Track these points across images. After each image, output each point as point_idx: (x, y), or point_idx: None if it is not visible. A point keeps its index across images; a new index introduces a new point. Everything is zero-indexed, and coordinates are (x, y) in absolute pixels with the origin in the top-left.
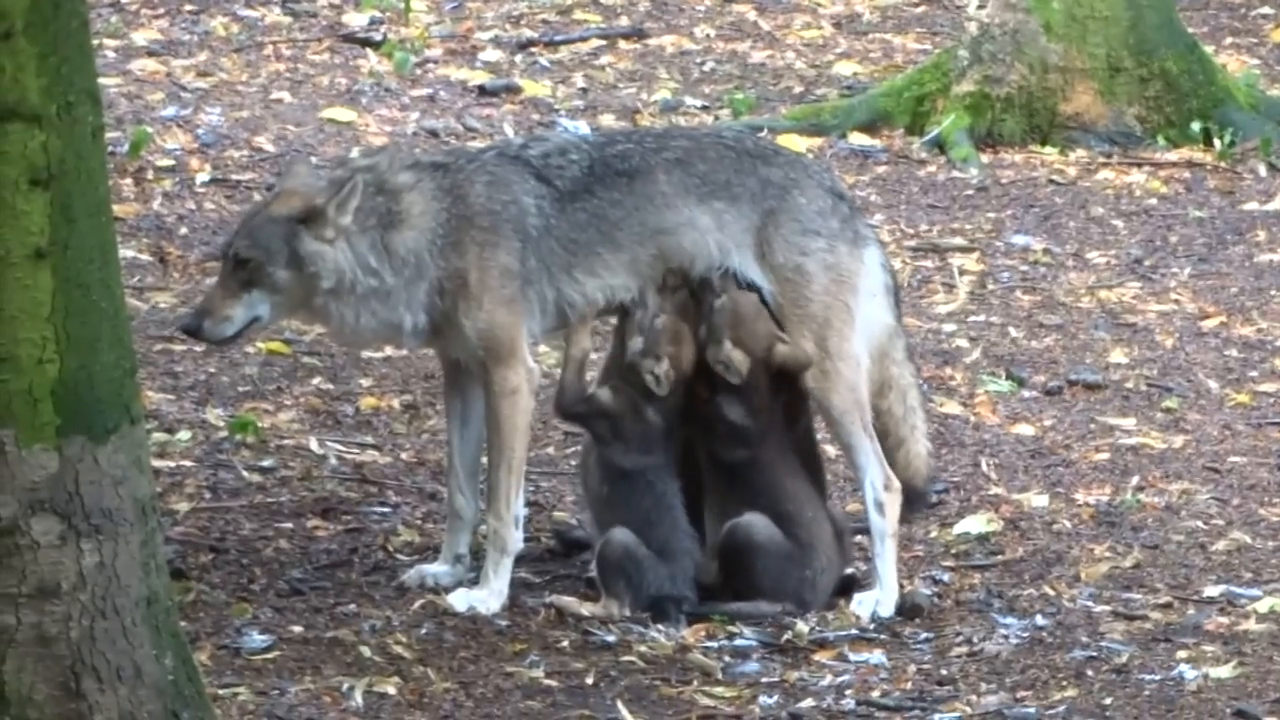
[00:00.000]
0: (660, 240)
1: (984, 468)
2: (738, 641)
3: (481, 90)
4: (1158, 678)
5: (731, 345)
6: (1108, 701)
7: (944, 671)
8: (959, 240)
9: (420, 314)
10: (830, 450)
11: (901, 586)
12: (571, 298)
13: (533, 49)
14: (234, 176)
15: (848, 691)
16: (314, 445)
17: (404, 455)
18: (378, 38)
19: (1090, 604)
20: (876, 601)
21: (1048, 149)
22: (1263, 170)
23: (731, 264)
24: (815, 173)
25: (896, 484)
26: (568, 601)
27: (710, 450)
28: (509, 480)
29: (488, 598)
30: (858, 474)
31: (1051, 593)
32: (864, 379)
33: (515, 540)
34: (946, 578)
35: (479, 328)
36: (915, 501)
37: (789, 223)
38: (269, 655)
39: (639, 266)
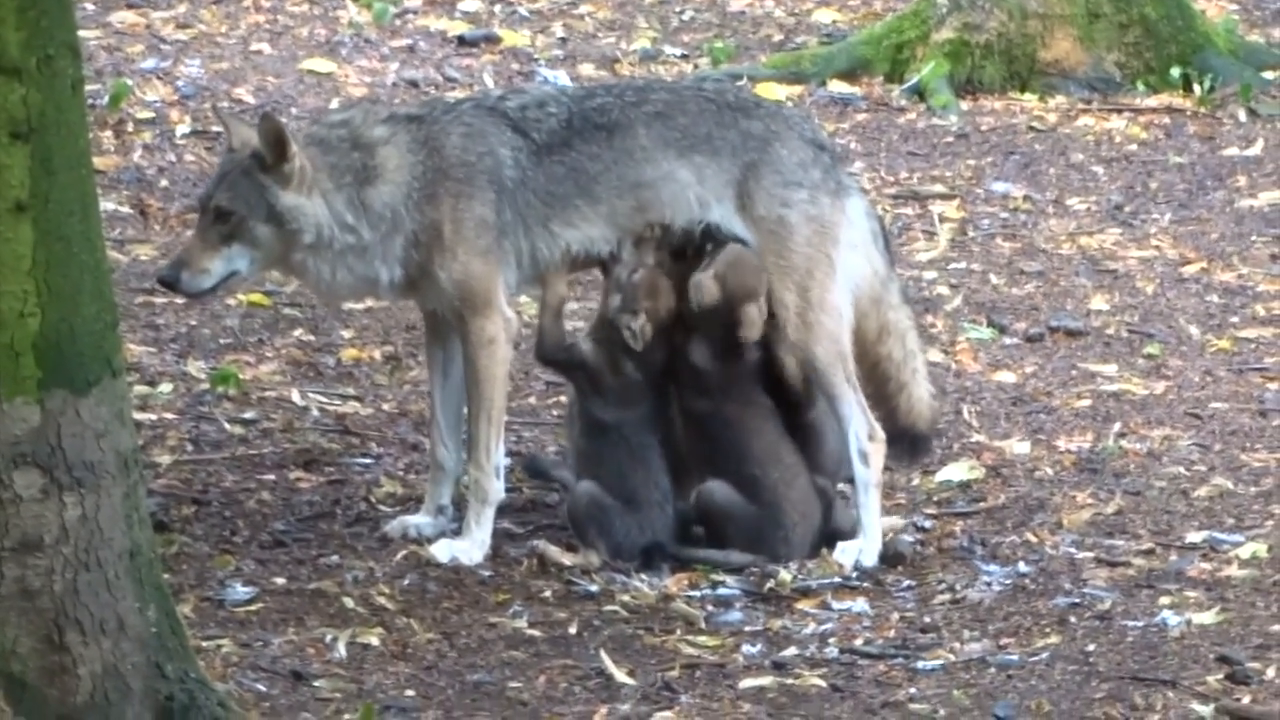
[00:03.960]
0: (639, 193)
1: (965, 415)
2: (720, 591)
3: (461, 40)
4: (1140, 624)
5: (712, 277)
6: (1091, 648)
7: (927, 619)
8: (939, 187)
9: (396, 268)
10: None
11: (884, 535)
12: (549, 249)
13: None
14: (214, 128)
15: (831, 640)
16: (296, 397)
17: (386, 406)
18: None
19: (1073, 551)
20: (860, 550)
21: (1027, 96)
22: (1242, 116)
23: (711, 217)
24: (796, 124)
25: (880, 434)
26: (551, 550)
27: (681, 402)
28: (489, 430)
29: (470, 548)
30: (841, 425)
31: (1034, 540)
32: (846, 330)
33: (497, 490)
34: (929, 525)
35: (454, 279)
36: (920, 446)
37: (770, 175)
38: (252, 607)
39: (617, 219)
